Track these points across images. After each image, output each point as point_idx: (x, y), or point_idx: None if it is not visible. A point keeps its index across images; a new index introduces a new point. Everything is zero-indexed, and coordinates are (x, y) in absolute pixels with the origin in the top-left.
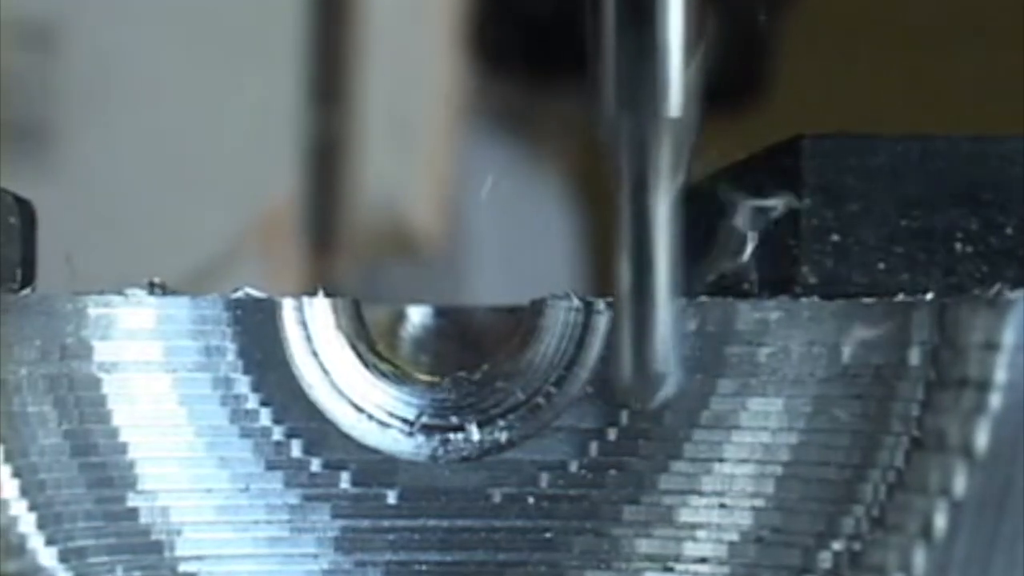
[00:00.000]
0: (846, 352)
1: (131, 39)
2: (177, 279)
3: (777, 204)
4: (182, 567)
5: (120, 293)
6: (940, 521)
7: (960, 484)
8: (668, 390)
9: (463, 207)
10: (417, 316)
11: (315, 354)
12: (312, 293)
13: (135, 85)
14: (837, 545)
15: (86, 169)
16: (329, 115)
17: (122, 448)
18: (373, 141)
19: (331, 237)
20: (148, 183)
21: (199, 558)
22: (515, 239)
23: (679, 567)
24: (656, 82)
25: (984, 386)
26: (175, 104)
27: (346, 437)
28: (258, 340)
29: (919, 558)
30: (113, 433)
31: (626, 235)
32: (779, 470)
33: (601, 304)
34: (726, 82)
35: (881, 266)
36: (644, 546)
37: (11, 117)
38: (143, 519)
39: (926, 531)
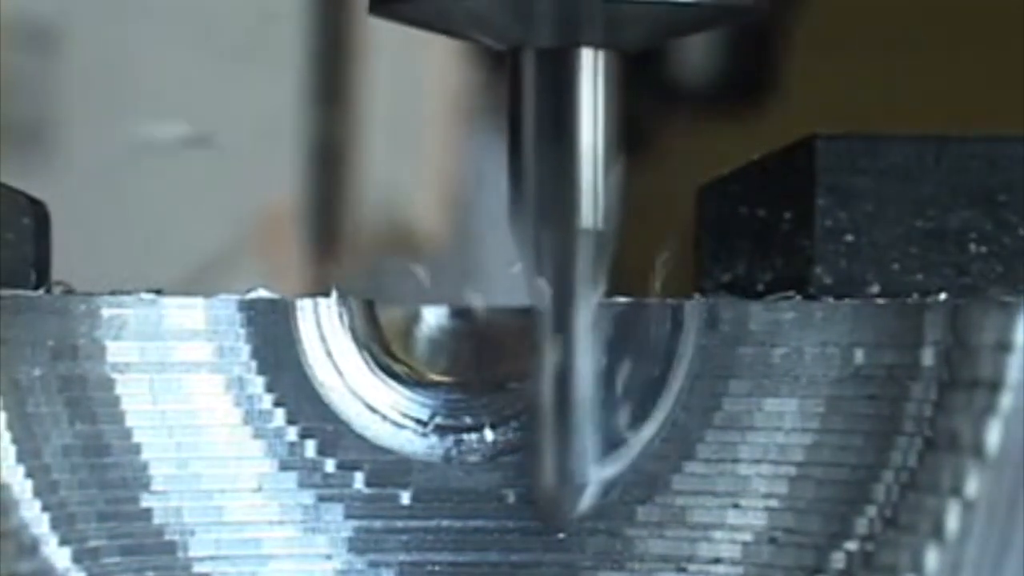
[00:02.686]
0: (859, 353)
1: (133, 40)
2: (177, 280)
3: None
4: (196, 567)
5: (133, 294)
6: (952, 521)
7: (972, 484)
8: (587, 502)
9: (471, 207)
10: (432, 317)
11: (329, 355)
12: (325, 294)
13: (137, 86)
14: (850, 545)
15: (88, 170)
16: (332, 116)
17: (135, 449)
18: (376, 142)
19: (334, 239)
20: (149, 184)
21: (212, 558)
22: None
23: (693, 567)
24: (576, 196)
25: (996, 386)
26: (177, 105)
27: (360, 438)
28: (272, 341)
29: (931, 558)
30: (126, 434)
31: (547, 348)
32: (793, 471)
33: (614, 304)
34: (733, 81)
35: (895, 267)
36: (658, 546)
37: (14, 117)
38: (156, 519)
39: (938, 531)
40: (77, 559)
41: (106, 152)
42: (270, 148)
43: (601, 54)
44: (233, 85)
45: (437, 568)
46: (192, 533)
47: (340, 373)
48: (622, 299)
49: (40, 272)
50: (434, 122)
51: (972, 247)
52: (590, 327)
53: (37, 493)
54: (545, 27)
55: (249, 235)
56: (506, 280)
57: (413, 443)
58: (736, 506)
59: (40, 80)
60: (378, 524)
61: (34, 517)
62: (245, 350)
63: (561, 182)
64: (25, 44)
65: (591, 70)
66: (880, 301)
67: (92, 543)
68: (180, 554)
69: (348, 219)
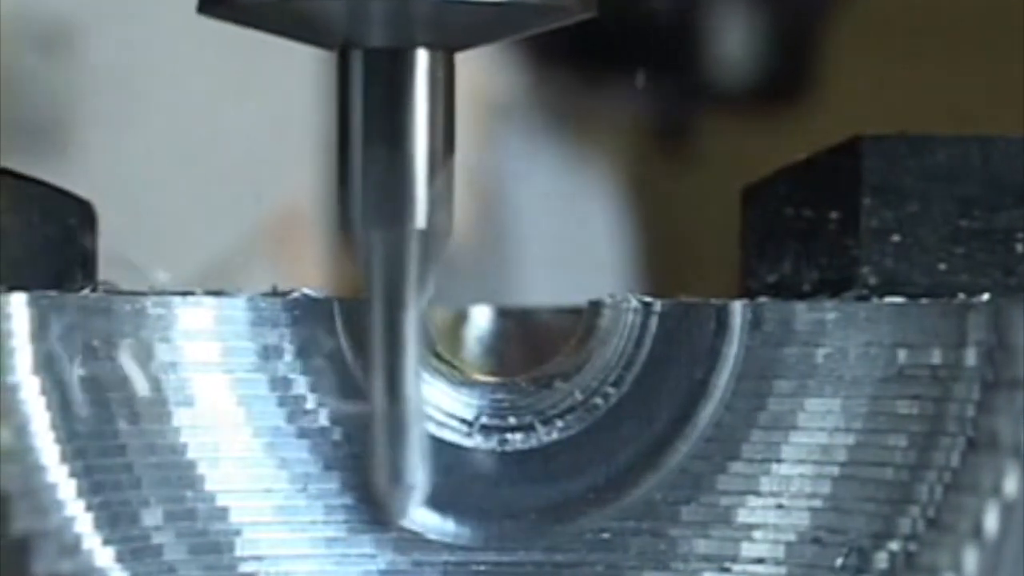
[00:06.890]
0: (902, 353)
1: (147, 39)
2: (191, 277)
3: None
4: (241, 567)
5: (180, 293)
6: (991, 521)
7: (1011, 484)
8: (419, 502)
9: (508, 208)
10: (478, 317)
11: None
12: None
13: (151, 84)
14: (893, 545)
15: (102, 169)
16: None
17: (181, 449)
18: None
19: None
20: (164, 181)
21: (258, 558)
22: (562, 240)
23: (736, 567)
24: (403, 196)
25: None
26: (191, 102)
27: None
28: (316, 340)
29: (970, 558)
30: (172, 434)
31: (378, 349)
32: (836, 471)
33: (658, 305)
34: (774, 81)
35: (941, 267)
36: (701, 546)
37: (27, 118)
38: (201, 520)
39: (977, 531)
40: (120, 559)
41: (120, 151)
42: (285, 145)
43: (431, 54)
44: (248, 82)
45: (481, 568)
46: (237, 533)
47: None
48: (668, 299)
49: (86, 271)
50: (463, 120)
51: (1018, 247)
52: (418, 328)
53: (80, 493)
54: (376, 28)
55: (264, 232)
56: (536, 278)
57: (458, 443)
58: (780, 506)
59: (55, 80)
60: None
61: (77, 517)
62: (289, 350)
63: (391, 183)
64: (41, 45)
65: (421, 70)
66: (923, 301)
67: (136, 544)
68: (225, 554)
69: None
